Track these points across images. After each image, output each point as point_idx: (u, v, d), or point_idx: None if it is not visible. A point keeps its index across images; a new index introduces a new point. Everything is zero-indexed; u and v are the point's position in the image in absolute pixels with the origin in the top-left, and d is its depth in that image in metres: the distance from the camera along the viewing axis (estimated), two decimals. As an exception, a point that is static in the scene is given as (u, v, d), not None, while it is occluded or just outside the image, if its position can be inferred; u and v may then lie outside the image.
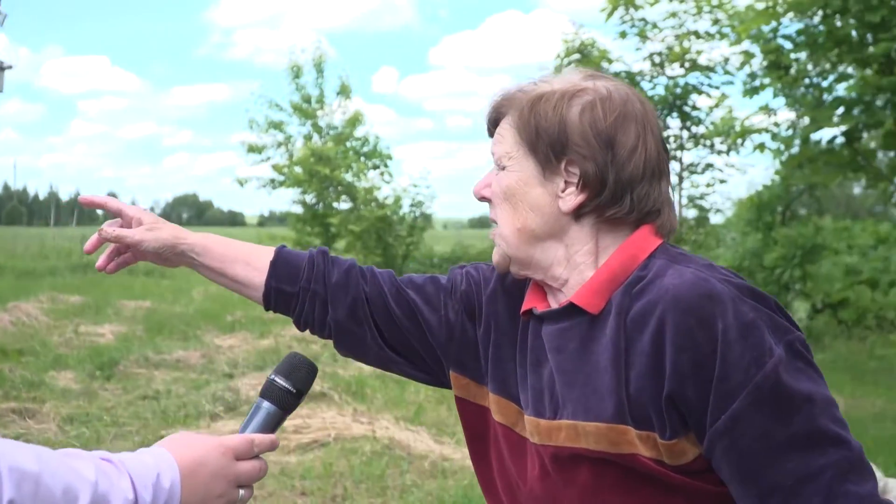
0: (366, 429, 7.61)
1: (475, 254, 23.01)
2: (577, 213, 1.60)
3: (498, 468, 1.77)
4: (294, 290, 1.87)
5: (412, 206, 20.15)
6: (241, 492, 1.46)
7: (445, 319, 1.84)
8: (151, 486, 1.29)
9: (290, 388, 1.62)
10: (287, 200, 25.03)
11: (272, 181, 24.21)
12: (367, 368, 10.83)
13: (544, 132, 1.59)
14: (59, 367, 10.50)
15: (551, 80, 1.67)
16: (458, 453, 7.16)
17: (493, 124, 1.72)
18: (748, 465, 1.42)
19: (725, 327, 1.41)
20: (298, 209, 24.00)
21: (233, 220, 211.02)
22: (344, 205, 22.54)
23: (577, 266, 1.62)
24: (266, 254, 1.91)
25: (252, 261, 1.90)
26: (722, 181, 14.46)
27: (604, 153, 1.56)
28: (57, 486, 1.16)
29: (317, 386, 9.42)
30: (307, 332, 1.94)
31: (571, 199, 1.58)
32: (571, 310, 1.59)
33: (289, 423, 7.85)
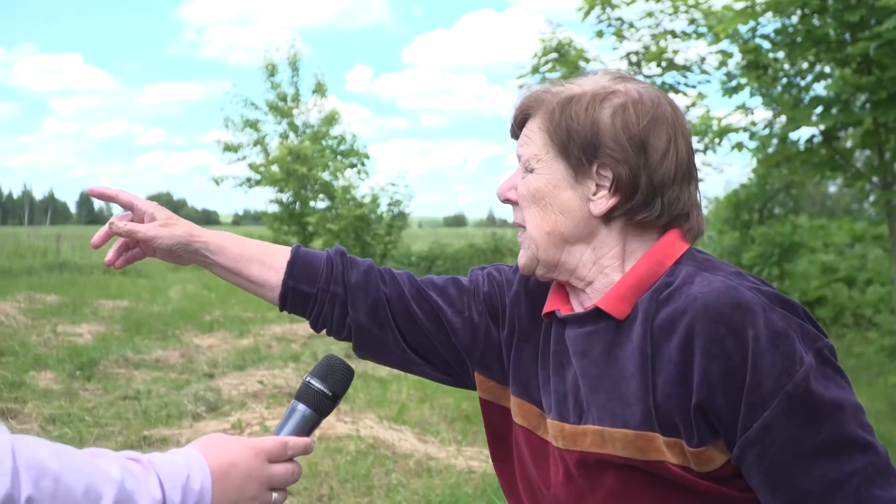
0: (350, 428, 7.60)
1: (452, 252, 23.03)
2: (608, 217, 1.59)
3: (519, 470, 1.76)
4: (312, 290, 1.83)
5: (390, 204, 20.15)
6: (274, 495, 1.44)
7: (469, 321, 1.82)
8: (181, 487, 1.26)
9: (326, 391, 1.59)
10: (263, 199, 24.97)
11: (248, 180, 24.13)
12: (348, 367, 10.82)
13: (576, 134, 1.57)
14: (39, 367, 10.44)
15: (580, 81, 1.65)
16: (443, 452, 7.17)
17: (519, 125, 1.70)
18: (779, 473, 1.43)
19: (756, 336, 1.41)
20: (275, 208, 23.94)
21: (207, 219, 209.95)
22: (321, 203, 22.51)
23: (604, 269, 1.61)
24: (282, 253, 1.86)
25: (268, 260, 1.85)
26: (699, 180, 14.51)
27: (636, 157, 1.55)
28: (78, 485, 1.13)
29: (298, 385, 9.40)
30: (323, 332, 1.91)
31: (603, 202, 1.57)
32: (597, 314, 1.58)
33: (272, 422, 7.84)
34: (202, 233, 1.84)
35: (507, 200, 1.70)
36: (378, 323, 1.83)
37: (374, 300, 1.83)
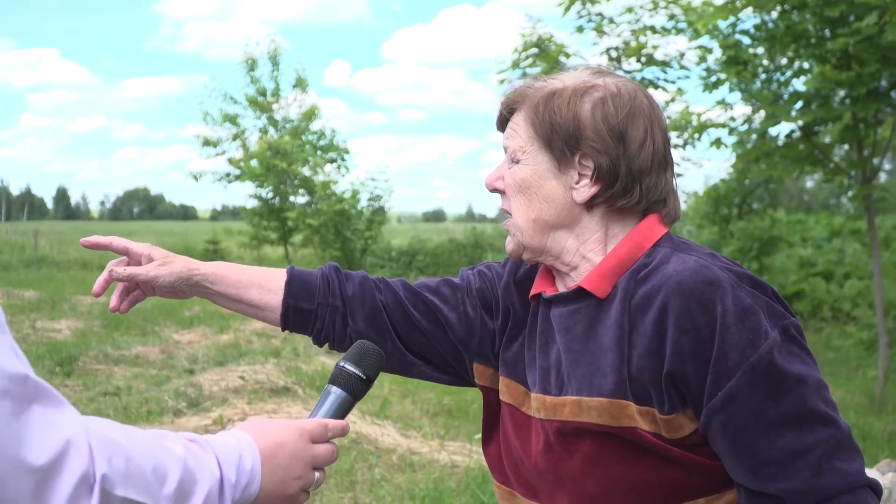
0: (332, 423, 7.59)
1: (433, 247, 23.06)
2: (590, 204, 1.68)
3: (504, 446, 1.84)
4: (312, 306, 1.91)
5: (370, 199, 20.11)
6: (317, 474, 1.48)
7: (465, 316, 1.90)
8: (235, 466, 1.30)
9: (361, 375, 1.63)
10: (242, 195, 24.90)
11: (227, 175, 24.02)
12: (329, 363, 10.81)
13: (559, 127, 1.66)
14: (18, 363, 10.37)
15: (561, 77, 1.74)
16: (426, 447, 7.18)
17: (504, 119, 1.78)
18: (741, 440, 1.52)
19: (724, 311, 1.50)
20: (254, 203, 23.85)
21: (185, 215, 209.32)
22: (301, 199, 22.45)
23: (587, 253, 1.70)
24: (279, 275, 1.94)
25: (266, 283, 1.92)
26: (678, 175, 14.55)
27: (616, 147, 1.64)
28: (147, 463, 1.16)
29: (280, 381, 9.39)
30: (326, 346, 1.97)
31: (585, 190, 1.66)
32: (580, 293, 1.68)
33: (254, 417, 7.81)
34: (200, 265, 1.90)
35: (494, 190, 1.79)
36: (377, 330, 1.91)
37: (372, 308, 1.91)
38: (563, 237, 1.71)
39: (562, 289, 1.76)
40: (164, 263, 1.88)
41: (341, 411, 1.61)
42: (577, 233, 1.70)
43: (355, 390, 1.63)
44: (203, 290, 1.89)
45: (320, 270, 1.95)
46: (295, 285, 1.91)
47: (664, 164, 1.69)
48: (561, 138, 1.66)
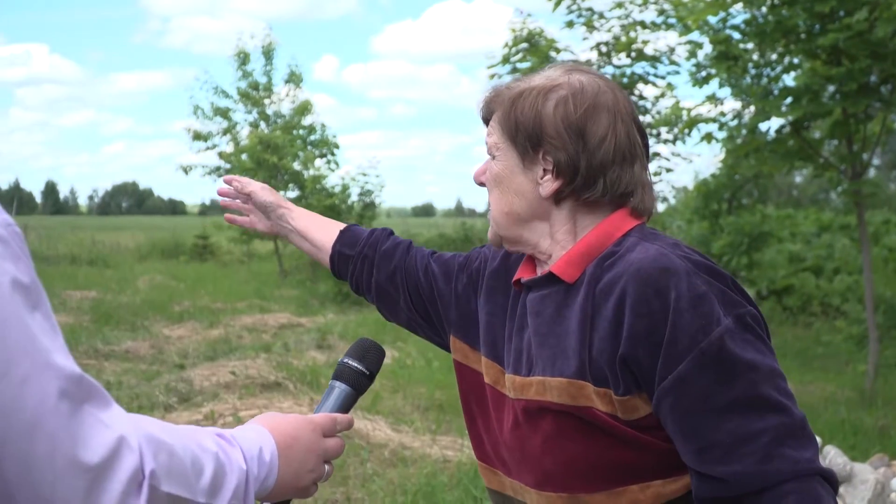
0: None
1: (422, 242, 23.04)
2: (557, 198, 1.76)
3: (484, 425, 1.93)
4: (352, 253, 2.22)
5: (360, 194, 20.06)
6: (327, 467, 1.53)
7: (454, 290, 2.06)
8: (256, 458, 1.35)
9: (364, 370, 1.72)
10: (232, 189, 24.69)
11: (218, 169, 23.94)
12: (319, 358, 10.81)
13: (522, 126, 1.75)
14: (7, 358, 10.34)
15: (534, 76, 1.83)
16: (417, 441, 7.19)
17: (487, 118, 1.88)
18: (689, 422, 1.56)
19: (678, 297, 1.56)
20: (244, 198, 23.75)
21: (173, 209, 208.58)
22: (291, 193, 22.37)
23: (559, 242, 1.79)
24: (339, 225, 2.30)
25: (329, 228, 2.29)
26: (668, 170, 14.56)
27: (574, 143, 1.71)
28: (186, 458, 1.20)
29: (270, 376, 9.39)
30: (359, 295, 2.29)
31: (549, 185, 1.75)
32: (551, 278, 1.76)
33: (245, 413, 7.81)
34: (290, 204, 2.34)
35: (480, 183, 1.90)
36: (394, 286, 2.17)
37: (395, 267, 2.17)
38: (537, 228, 1.80)
39: (540, 274, 1.86)
40: (266, 189, 2.36)
41: (346, 405, 1.68)
42: (549, 223, 1.79)
43: (358, 385, 1.71)
44: (284, 222, 2.31)
45: (373, 229, 2.27)
46: (346, 234, 2.25)
47: (630, 157, 1.75)
48: (525, 136, 1.75)
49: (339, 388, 1.69)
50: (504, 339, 1.89)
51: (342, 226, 2.29)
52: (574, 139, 1.71)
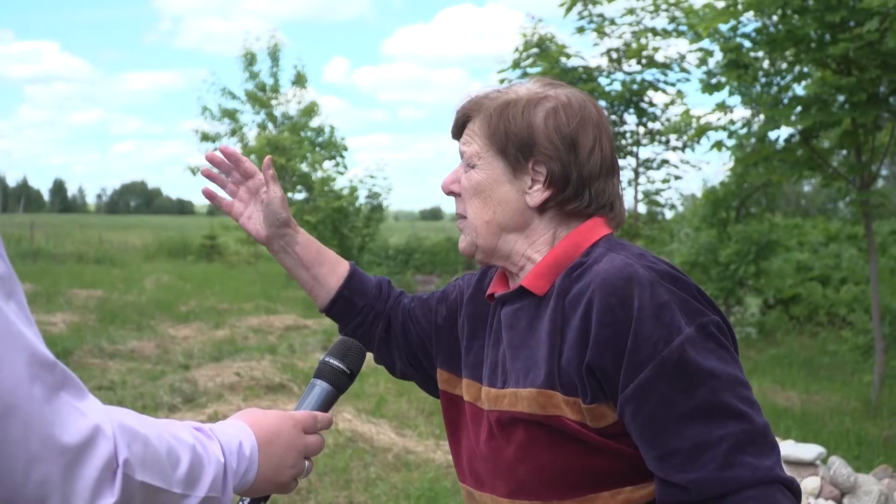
0: (327, 421, 7.57)
1: (430, 245, 23.05)
2: (542, 208, 1.78)
3: (465, 441, 1.93)
4: (361, 304, 2.13)
5: (368, 197, 20.07)
6: (307, 463, 1.55)
7: (435, 323, 2.08)
8: (236, 453, 1.36)
9: (345, 369, 1.74)
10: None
11: (226, 170, 23.97)
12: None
13: (513, 135, 1.76)
14: (13, 356, 10.35)
15: (514, 88, 1.84)
16: (421, 446, 7.17)
17: (461, 126, 1.88)
18: (651, 429, 1.59)
19: (641, 306, 1.59)
20: (252, 199, 23.78)
21: (182, 209, 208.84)
22: (299, 195, 22.40)
23: (533, 255, 1.81)
24: (344, 265, 2.16)
25: (336, 268, 2.14)
26: (677, 177, 14.54)
27: (568, 154, 1.74)
28: (162, 449, 1.21)
29: (275, 377, 9.39)
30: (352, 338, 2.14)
31: (538, 194, 1.77)
32: (522, 292, 1.79)
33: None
34: (298, 228, 2.12)
35: (450, 193, 1.90)
36: (392, 338, 2.15)
37: (392, 319, 2.15)
38: (513, 239, 1.81)
39: (512, 288, 1.87)
40: (285, 200, 2.09)
41: (326, 404, 1.70)
42: (527, 234, 1.81)
43: (339, 384, 1.73)
44: (286, 244, 2.09)
45: (378, 279, 2.20)
46: (354, 281, 2.14)
47: (611, 170, 1.80)
48: (515, 146, 1.76)
49: (321, 386, 1.70)
50: (484, 357, 1.90)
51: (345, 264, 2.16)
52: (567, 150, 1.74)
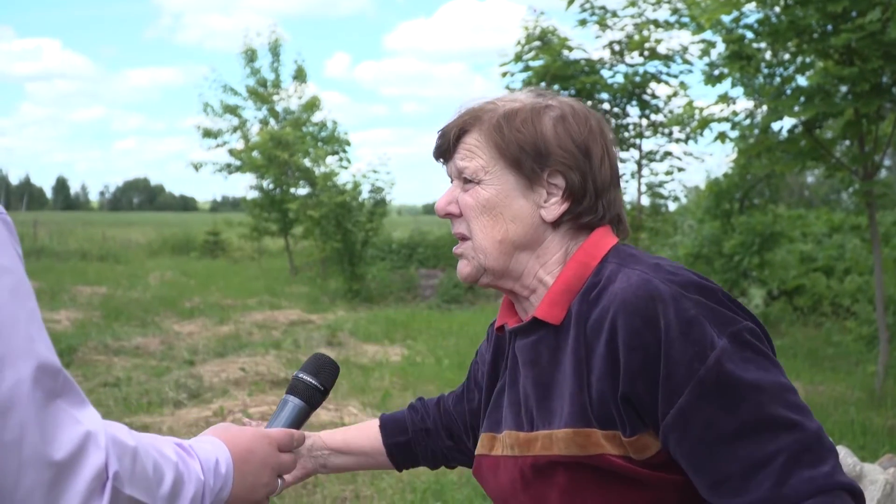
0: (333, 415, 7.59)
1: (433, 240, 23.02)
2: (557, 222, 1.67)
3: (496, 495, 1.81)
4: (405, 440, 2.09)
5: (371, 192, 20.05)
6: (280, 481, 1.55)
7: (471, 412, 2.03)
8: (213, 471, 1.35)
9: (318, 386, 1.70)
10: (242, 186, 24.83)
11: (228, 166, 23.99)
12: (329, 354, 10.80)
13: (526, 145, 1.64)
14: (18, 354, 10.35)
15: (509, 97, 1.73)
16: (426, 440, 7.17)
17: (455, 141, 1.73)
18: (699, 455, 1.48)
19: (667, 325, 1.47)
20: (255, 194, 23.82)
21: (184, 206, 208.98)
22: (302, 190, 22.39)
23: (544, 276, 1.69)
24: (371, 425, 2.13)
25: (366, 430, 2.12)
26: (680, 169, 14.54)
27: (584, 162, 1.65)
28: (149, 463, 1.21)
29: (280, 373, 9.40)
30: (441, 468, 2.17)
31: (555, 208, 1.66)
32: (537, 323, 1.66)
33: (254, 409, 7.82)
34: (310, 433, 2.01)
35: (447, 215, 1.75)
36: (456, 443, 2.09)
37: (450, 426, 2.09)
38: (525, 258, 1.69)
39: (523, 317, 1.75)
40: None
41: (299, 421, 1.68)
42: (539, 253, 1.69)
43: (312, 400, 1.70)
44: (318, 451, 2.05)
45: (409, 405, 2.17)
46: (389, 427, 2.10)
47: (617, 179, 1.72)
48: (530, 156, 1.65)
49: (293, 402, 1.68)
50: (501, 399, 1.80)
51: (372, 423, 2.13)
52: (582, 158, 1.65)
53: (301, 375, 1.70)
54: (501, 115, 1.67)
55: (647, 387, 1.49)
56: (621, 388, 1.51)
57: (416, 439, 2.08)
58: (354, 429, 2.13)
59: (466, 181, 1.70)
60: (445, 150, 1.74)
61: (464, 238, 1.73)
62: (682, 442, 1.48)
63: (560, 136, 1.64)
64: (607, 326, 1.53)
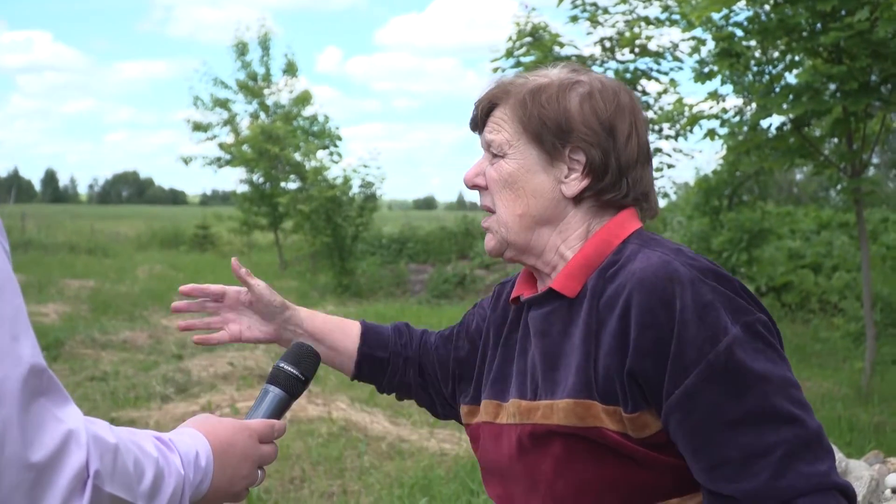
0: (321, 410, 7.59)
1: (423, 235, 23.02)
2: (578, 198, 1.69)
3: (488, 462, 1.82)
4: (385, 355, 2.05)
5: (362, 186, 20.02)
6: (260, 473, 1.53)
7: (457, 360, 2.01)
8: (193, 464, 1.34)
9: (299, 375, 1.68)
10: (232, 180, 24.83)
11: (218, 159, 23.93)
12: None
13: (549, 121, 1.66)
14: (5, 347, 10.33)
15: (543, 72, 1.74)
16: (415, 434, 7.19)
17: (486, 114, 1.76)
18: (699, 438, 1.49)
19: (683, 307, 1.49)
20: (245, 188, 23.77)
21: (174, 199, 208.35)
22: (292, 185, 22.34)
23: (566, 252, 1.70)
24: (354, 324, 2.08)
25: (346, 329, 2.06)
26: (670, 166, 14.56)
27: (607, 139, 1.65)
28: (129, 460, 1.20)
29: (268, 367, 9.39)
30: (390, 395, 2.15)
31: (575, 184, 1.67)
32: (552, 294, 1.68)
33: (242, 404, 7.82)
34: (293, 305, 2.04)
35: (474, 186, 1.78)
36: (426, 381, 2.08)
37: (422, 362, 2.07)
38: (546, 233, 1.71)
39: (541, 291, 1.76)
40: (270, 287, 2.02)
41: (280, 410, 1.65)
42: (560, 229, 1.71)
43: (293, 390, 1.68)
44: (294, 326, 2.01)
45: (393, 325, 2.11)
46: (370, 335, 2.06)
47: (646, 158, 1.72)
48: (551, 132, 1.66)
49: (274, 392, 1.65)
50: (510, 368, 1.80)
51: (355, 323, 2.08)
52: (606, 136, 1.65)
53: (282, 365, 1.67)
54: (528, 90, 1.69)
55: (656, 365, 1.50)
56: (628, 364, 1.52)
57: (391, 361, 2.05)
58: (335, 322, 2.07)
59: (494, 155, 1.73)
60: (479, 122, 1.79)
61: (489, 211, 1.76)
62: (683, 423, 1.50)
63: (585, 112, 1.66)
64: (621, 303, 1.54)
